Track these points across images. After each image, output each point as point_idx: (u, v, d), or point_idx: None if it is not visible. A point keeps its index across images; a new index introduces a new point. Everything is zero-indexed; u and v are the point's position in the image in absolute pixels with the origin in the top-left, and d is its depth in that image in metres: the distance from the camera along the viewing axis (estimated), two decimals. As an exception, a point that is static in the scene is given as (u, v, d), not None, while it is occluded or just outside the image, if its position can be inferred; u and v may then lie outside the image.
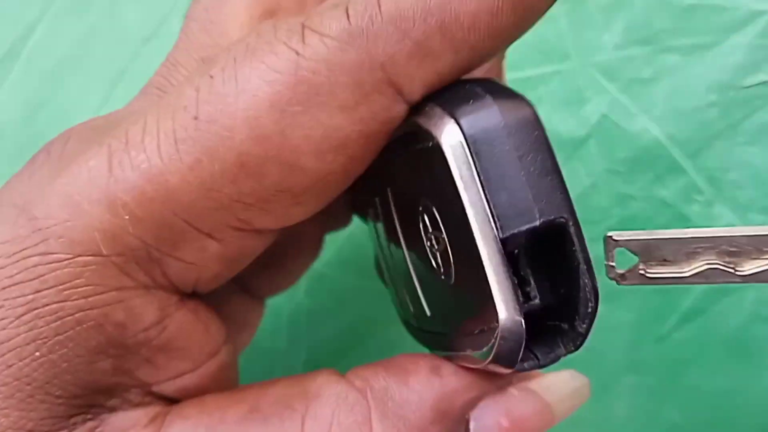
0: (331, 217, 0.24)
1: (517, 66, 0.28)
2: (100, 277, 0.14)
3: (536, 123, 0.14)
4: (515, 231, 0.13)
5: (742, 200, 0.27)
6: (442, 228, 0.15)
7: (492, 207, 0.13)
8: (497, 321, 0.14)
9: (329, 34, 0.14)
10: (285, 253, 0.22)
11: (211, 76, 0.15)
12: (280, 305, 0.28)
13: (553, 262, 0.15)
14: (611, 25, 0.28)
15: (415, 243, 0.17)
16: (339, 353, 0.29)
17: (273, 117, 0.14)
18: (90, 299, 0.14)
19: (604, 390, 0.27)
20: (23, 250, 0.14)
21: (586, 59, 0.28)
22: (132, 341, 0.15)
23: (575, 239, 0.14)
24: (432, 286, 0.17)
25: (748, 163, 0.27)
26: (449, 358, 0.16)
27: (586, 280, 0.14)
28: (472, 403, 0.16)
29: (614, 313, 0.27)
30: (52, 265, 0.14)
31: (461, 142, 0.14)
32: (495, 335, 0.14)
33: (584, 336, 0.14)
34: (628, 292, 0.27)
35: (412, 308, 0.18)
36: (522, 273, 0.15)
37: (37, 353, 0.14)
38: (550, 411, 0.16)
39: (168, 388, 0.16)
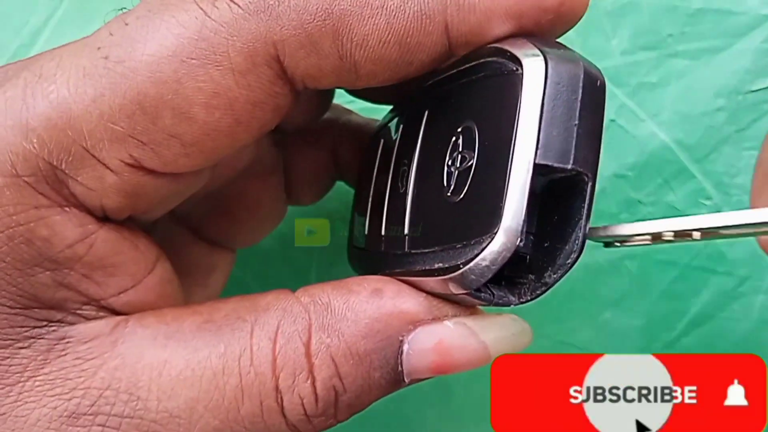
0: (297, 188, 0.25)
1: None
2: (20, 196, 0.16)
3: (604, 93, 0.15)
4: (549, 163, 0.15)
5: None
6: (477, 147, 0.16)
7: (540, 136, 0.15)
8: (497, 229, 0.15)
9: (238, 2, 0.16)
10: (241, 209, 0.24)
11: (126, 23, 0.17)
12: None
13: (548, 218, 0.16)
14: (618, 31, 0.28)
15: (431, 163, 0.18)
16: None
17: (172, 65, 0.16)
18: (14, 217, 0.16)
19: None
20: None
21: (592, 64, 0.28)
22: (61, 256, 0.17)
23: (588, 197, 0.15)
24: (428, 204, 0.18)
25: (756, 168, 0.27)
26: (403, 276, 0.18)
27: (580, 233, 0.15)
28: (408, 329, 0.17)
29: (623, 319, 0.27)
30: None
31: (542, 75, 0.15)
32: (484, 245, 0.15)
33: (548, 287, 0.16)
34: (638, 298, 0.27)
35: (384, 231, 0.20)
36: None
37: None
38: (485, 349, 0.17)
39: (116, 302, 0.18)
